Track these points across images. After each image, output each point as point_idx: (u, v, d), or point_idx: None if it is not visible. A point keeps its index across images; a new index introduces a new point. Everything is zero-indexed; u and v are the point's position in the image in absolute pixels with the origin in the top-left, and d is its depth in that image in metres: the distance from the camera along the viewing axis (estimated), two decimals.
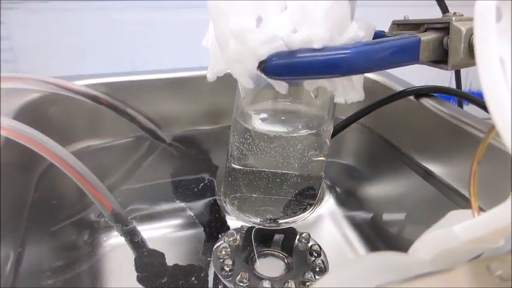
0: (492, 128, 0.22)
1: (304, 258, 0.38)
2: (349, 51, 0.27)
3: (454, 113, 0.39)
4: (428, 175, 0.41)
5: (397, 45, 0.29)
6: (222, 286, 0.35)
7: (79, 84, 0.40)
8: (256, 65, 0.27)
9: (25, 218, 0.33)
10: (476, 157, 0.23)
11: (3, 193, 0.31)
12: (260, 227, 0.36)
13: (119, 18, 0.76)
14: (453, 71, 0.52)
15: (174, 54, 0.78)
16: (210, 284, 0.35)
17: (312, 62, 0.27)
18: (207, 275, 0.36)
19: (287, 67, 0.27)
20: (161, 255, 0.37)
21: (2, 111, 0.34)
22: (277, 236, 0.40)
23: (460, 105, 0.54)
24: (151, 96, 0.45)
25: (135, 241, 0.37)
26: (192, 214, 0.42)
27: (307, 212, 0.36)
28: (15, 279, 0.28)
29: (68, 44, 0.74)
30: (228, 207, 0.36)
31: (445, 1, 0.40)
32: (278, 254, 0.38)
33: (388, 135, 0.46)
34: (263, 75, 0.28)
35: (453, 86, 0.49)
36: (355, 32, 0.28)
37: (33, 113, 0.39)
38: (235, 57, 0.27)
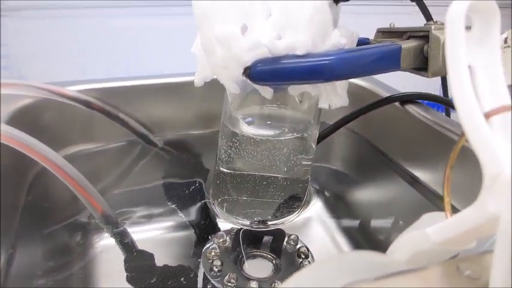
0: (463, 133, 0.22)
1: (292, 260, 0.39)
2: (331, 57, 0.28)
3: (439, 120, 0.40)
4: (414, 181, 0.42)
5: (378, 53, 0.30)
6: (210, 286, 0.36)
7: (71, 89, 0.41)
8: (242, 70, 0.28)
9: (17, 220, 0.33)
10: (449, 162, 0.24)
11: None
12: (248, 228, 0.37)
13: (115, 25, 0.77)
14: (440, 79, 0.53)
15: (170, 59, 0.79)
16: (199, 284, 0.36)
17: (295, 68, 0.28)
18: (196, 276, 0.37)
19: (271, 73, 0.28)
20: (151, 256, 0.38)
21: None
22: (266, 238, 0.40)
23: (448, 113, 0.55)
24: (144, 101, 0.46)
25: (125, 242, 0.38)
26: (183, 216, 0.43)
27: (294, 214, 0.37)
28: (6, 280, 0.28)
29: (64, 51, 0.75)
30: (217, 209, 0.37)
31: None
32: (266, 255, 0.39)
33: (376, 141, 0.47)
34: (248, 81, 0.29)
35: None
36: (337, 40, 0.28)
37: (26, 119, 0.39)
38: (221, 63, 0.28)
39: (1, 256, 0.29)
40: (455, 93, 0.21)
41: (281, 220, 0.37)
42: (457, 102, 0.21)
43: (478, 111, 0.20)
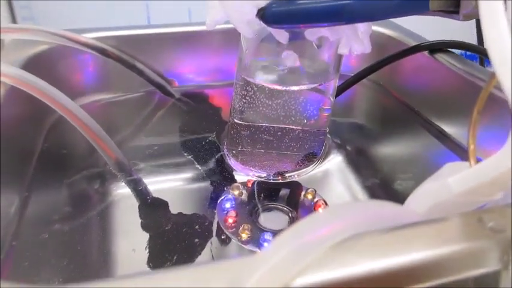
0: (493, 75, 0.21)
1: (309, 213, 0.38)
2: None
3: (471, 70, 0.37)
4: (442, 135, 0.40)
5: None
6: (224, 236, 0.36)
7: (88, 36, 0.40)
8: (255, 12, 0.27)
9: (32, 166, 0.34)
10: (476, 106, 0.22)
11: (10, 140, 0.31)
12: (264, 180, 0.36)
13: None
14: (475, 27, 0.49)
15: (189, 12, 0.77)
16: (213, 233, 0.36)
17: (312, 9, 0.26)
18: (210, 225, 0.36)
19: (287, 14, 0.26)
20: (165, 204, 0.38)
21: (10, 63, 0.35)
22: (282, 191, 0.40)
23: (482, 63, 0.51)
24: (161, 51, 0.45)
25: (139, 189, 0.38)
26: (200, 168, 0.43)
27: (311, 166, 0.36)
28: (20, 222, 0.29)
29: (87, 2, 0.73)
30: (232, 161, 0.37)
31: None
32: (282, 208, 0.39)
33: (402, 93, 0.45)
34: (263, 24, 0.27)
35: None
36: None
37: (41, 65, 0.39)
38: (233, 5, 0.27)
39: (15, 199, 0.30)
40: (487, 28, 0.19)
41: (296, 172, 0.36)
42: (488, 38, 0.19)
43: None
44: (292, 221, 0.38)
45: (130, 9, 0.74)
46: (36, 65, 0.38)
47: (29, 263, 0.27)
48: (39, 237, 0.30)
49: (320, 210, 0.38)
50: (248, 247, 0.34)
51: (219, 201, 0.38)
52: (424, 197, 0.23)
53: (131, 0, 0.74)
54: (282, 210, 0.39)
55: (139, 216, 0.36)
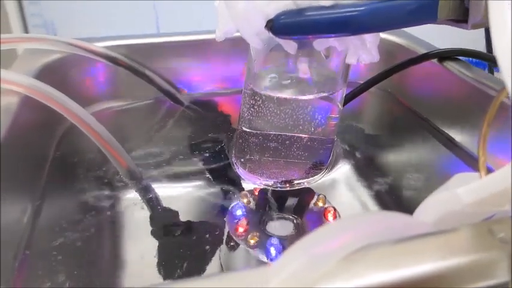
0: (503, 88, 0.21)
1: (318, 220, 0.38)
2: (360, 8, 0.26)
3: (480, 78, 0.37)
4: (451, 143, 0.40)
5: (413, 3, 0.27)
6: (233, 243, 0.36)
7: (99, 45, 0.41)
8: (264, 23, 0.27)
9: (45, 174, 0.34)
10: (486, 118, 0.22)
11: (24, 148, 0.32)
12: (272, 188, 0.37)
13: None
14: (484, 35, 0.49)
15: (198, 20, 0.78)
16: (222, 241, 0.36)
17: (320, 20, 0.26)
18: (221, 233, 0.37)
19: (295, 26, 0.27)
20: (175, 213, 0.38)
21: (24, 72, 0.36)
22: (292, 198, 0.40)
23: (491, 71, 0.51)
24: (171, 59, 0.45)
25: (149, 197, 0.38)
26: (209, 176, 0.43)
27: (319, 175, 0.36)
28: (33, 231, 0.29)
29: (97, 9, 0.74)
30: (239, 169, 0.37)
31: None
32: (291, 214, 0.39)
33: (411, 101, 0.45)
34: (271, 35, 0.27)
35: None
36: None
37: (54, 74, 0.40)
38: (242, 16, 0.27)
39: (28, 207, 0.30)
40: (496, 38, 0.19)
41: (306, 180, 0.36)
42: (497, 49, 0.19)
43: None
44: (300, 227, 0.38)
45: (139, 16, 0.75)
46: (50, 73, 0.39)
47: (42, 271, 0.28)
48: (51, 245, 0.31)
49: (329, 216, 0.38)
50: (255, 252, 0.34)
51: (229, 209, 0.38)
52: (433, 208, 0.23)
53: (141, 9, 0.75)
54: (291, 217, 0.39)
55: (150, 224, 0.37)
